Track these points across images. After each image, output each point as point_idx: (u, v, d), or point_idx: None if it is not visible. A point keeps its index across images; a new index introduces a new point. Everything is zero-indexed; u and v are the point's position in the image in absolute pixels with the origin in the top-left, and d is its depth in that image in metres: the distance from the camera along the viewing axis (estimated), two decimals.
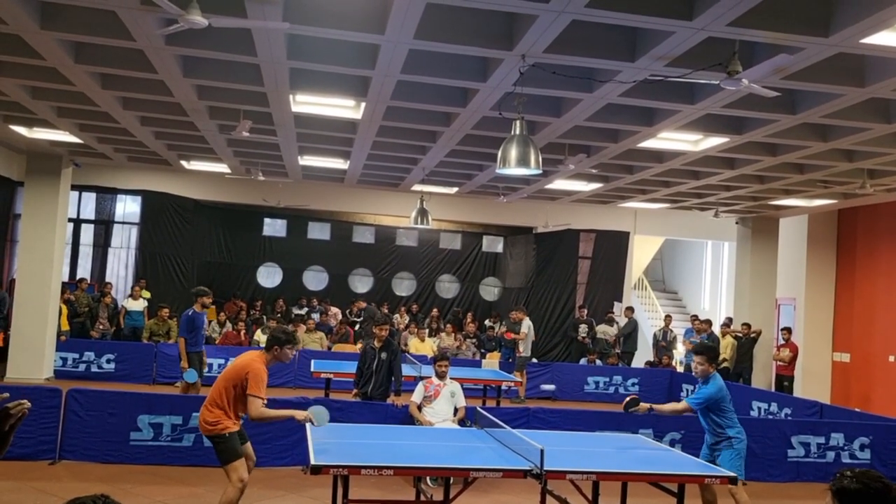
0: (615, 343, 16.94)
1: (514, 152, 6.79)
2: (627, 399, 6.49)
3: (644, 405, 6.32)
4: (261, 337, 14.90)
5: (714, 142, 9.55)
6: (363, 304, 18.05)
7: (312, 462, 4.99)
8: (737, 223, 16.57)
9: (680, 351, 16.78)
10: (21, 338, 12.91)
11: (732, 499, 6.21)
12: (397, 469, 5.31)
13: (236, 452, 5.68)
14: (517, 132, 6.85)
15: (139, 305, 15.19)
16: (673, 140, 9.77)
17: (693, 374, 6.60)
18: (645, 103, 8.06)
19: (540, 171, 7.25)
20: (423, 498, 6.69)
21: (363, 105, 8.74)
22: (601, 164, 11.35)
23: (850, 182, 11.58)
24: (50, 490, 6.98)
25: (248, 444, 5.99)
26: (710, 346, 7.05)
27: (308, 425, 5.68)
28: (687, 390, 14.71)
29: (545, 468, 5.10)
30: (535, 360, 16.65)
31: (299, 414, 5.72)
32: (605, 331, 17.08)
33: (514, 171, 6.99)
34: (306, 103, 9.00)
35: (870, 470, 2.66)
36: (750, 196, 13.61)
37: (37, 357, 12.91)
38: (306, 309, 17.99)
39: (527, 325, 14.05)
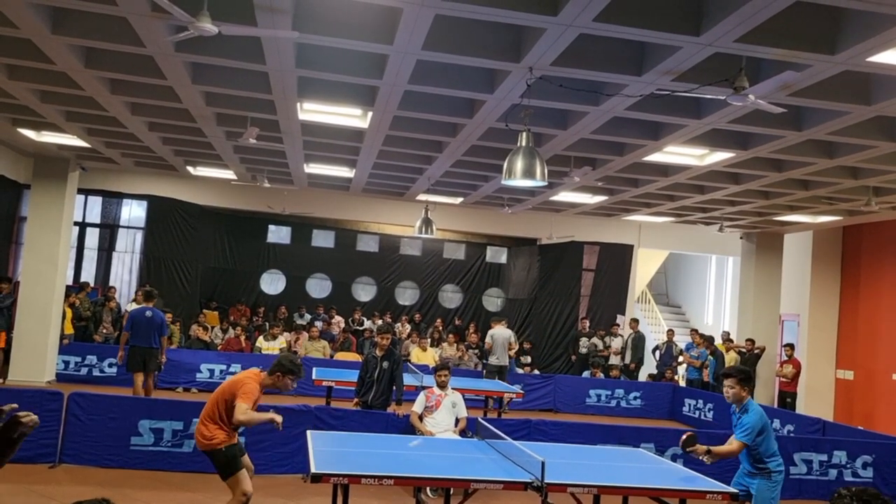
0: (621, 355, 16.92)
1: (519, 164, 6.81)
2: (685, 437, 5.87)
3: (702, 447, 5.71)
4: (262, 343, 14.91)
5: (720, 157, 9.56)
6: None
7: (313, 470, 4.99)
8: (741, 238, 16.55)
9: (682, 365, 16.72)
10: (24, 340, 12.93)
11: None
12: (397, 479, 5.30)
13: (236, 465, 5.63)
14: (523, 144, 6.87)
15: None
16: (678, 154, 9.78)
17: (726, 399, 6.03)
18: (651, 117, 8.08)
19: (545, 183, 7.26)
20: None
21: (370, 114, 8.77)
22: (606, 177, 11.37)
23: (856, 199, 11.57)
24: (50, 494, 6.98)
25: (246, 456, 5.96)
26: (742, 368, 6.29)
27: (310, 434, 5.69)
28: (689, 404, 14.68)
29: (546, 481, 5.09)
30: (536, 372, 16.63)
31: (278, 417, 5.64)
32: (595, 343, 17.09)
33: (520, 182, 7.01)
34: (313, 111, 9.03)
35: (868, 488, 2.63)
36: (755, 211, 13.60)
37: (39, 360, 12.93)
38: (308, 317, 17.98)
39: (491, 333, 13.96)
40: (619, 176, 11.25)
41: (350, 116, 9.24)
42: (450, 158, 10.69)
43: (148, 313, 10.71)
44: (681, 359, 16.55)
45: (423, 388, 8.79)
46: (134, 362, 10.65)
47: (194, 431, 5.85)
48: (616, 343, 17.13)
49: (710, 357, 15.41)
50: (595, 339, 17.31)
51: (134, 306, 15.02)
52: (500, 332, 13.83)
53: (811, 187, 11.10)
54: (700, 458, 5.75)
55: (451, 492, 6.30)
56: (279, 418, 5.63)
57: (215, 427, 5.64)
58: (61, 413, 8.01)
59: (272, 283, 19.82)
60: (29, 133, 11.55)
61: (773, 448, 5.90)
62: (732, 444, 5.83)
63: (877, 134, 8.12)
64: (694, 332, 16.53)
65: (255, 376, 5.78)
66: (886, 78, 6.61)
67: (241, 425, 5.80)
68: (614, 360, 16.89)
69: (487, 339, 14.01)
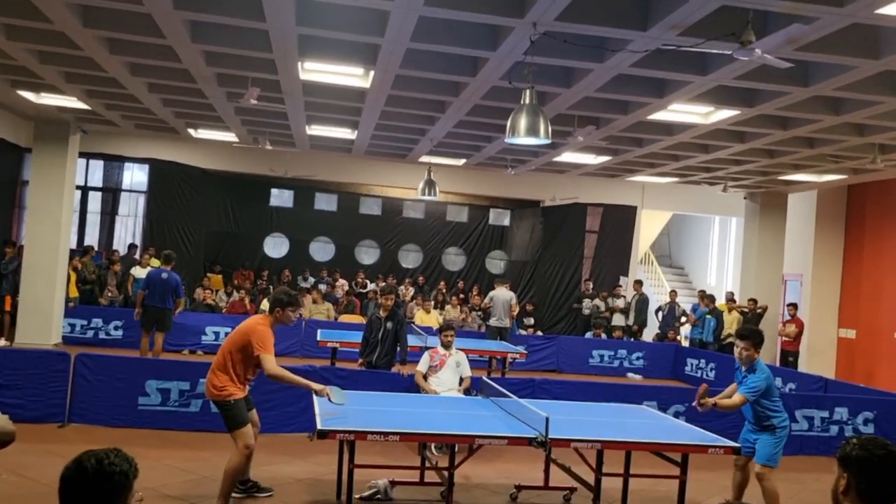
0: (624, 315, 16.99)
1: (523, 122, 6.76)
2: (701, 389, 5.83)
3: (710, 400, 5.77)
4: (266, 306, 14.96)
5: (725, 114, 9.47)
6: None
7: (319, 427, 5.03)
8: (745, 198, 16.49)
9: (685, 326, 16.79)
10: (29, 303, 13.00)
11: (760, 484, 5.91)
12: (403, 435, 5.35)
13: (242, 419, 5.67)
14: (527, 101, 6.81)
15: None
16: (683, 112, 9.68)
17: (737, 359, 6.12)
18: (656, 74, 7.99)
19: (549, 141, 7.21)
20: (428, 465, 6.74)
21: (372, 73, 8.68)
22: (610, 137, 11.28)
23: (861, 157, 11.50)
24: (59, 452, 7.05)
25: (254, 411, 6.01)
26: (756, 330, 6.36)
27: (316, 397, 5.69)
28: (692, 364, 14.76)
29: (550, 436, 5.13)
30: (539, 333, 16.71)
31: (316, 385, 5.65)
32: (597, 304, 17.16)
33: (523, 140, 6.96)
34: (315, 71, 8.94)
35: (876, 437, 2.65)
36: (759, 171, 13.53)
37: (45, 323, 13.01)
38: (311, 280, 18.03)
39: (492, 294, 14.01)
40: (623, 135, 11.17)
41: (352, 76, 9.14)
42: (452, 118, 10.60)
43: (164, 275, 11.07)
44: (683, 319, 16.62)
45: (427, 348, 8.84)
46: (146, 321, 11.03)
47: (205, 383, 5.82)
48: (619, 304, 17.18)
49: (709, 316, 15.46)
50: (598, 301, 17.36)
51: (138, 269, 15.13)
52: (501, 294, 13.84)
53: (816, 145, 11.02)
54: (701, 408, 5.79)
55: (456, 448, 6.37)
56: (317, 387, 5.59)
57: (226, 378, 5.65)
58: (69, 374, 8.09)
59: (276, 246, 19.86)
60: (28, 95, 11.46)
61: (779, 405, 6.02)
62: (735, 398, 5.92)
63: (884, 89, 8.03)
64: (702, 293, 16.56)
65: (264, 320, 5.80)
66: (895, 31, 6.50)
67: (276, 380, 5.76)
68: (618, 320, 16.95)
69: (486, 300, 14.11)
